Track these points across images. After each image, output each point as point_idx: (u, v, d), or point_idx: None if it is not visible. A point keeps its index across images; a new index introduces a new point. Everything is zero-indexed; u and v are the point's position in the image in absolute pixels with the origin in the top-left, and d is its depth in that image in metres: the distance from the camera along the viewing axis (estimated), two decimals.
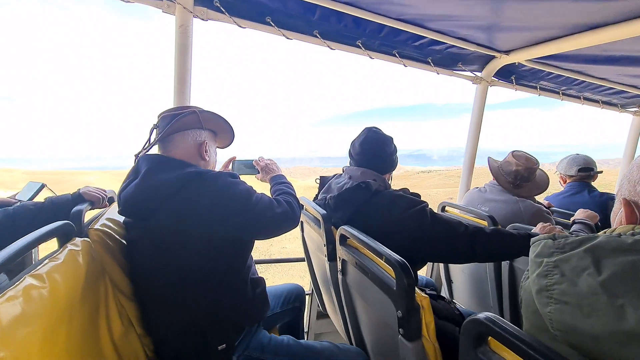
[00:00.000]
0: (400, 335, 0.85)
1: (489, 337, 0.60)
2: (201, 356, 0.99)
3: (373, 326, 1.14)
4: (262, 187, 1.27)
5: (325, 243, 1.30)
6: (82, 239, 0.93)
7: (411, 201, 1.18)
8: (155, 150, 1.10)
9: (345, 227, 1.13)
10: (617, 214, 0.63)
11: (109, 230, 1.04)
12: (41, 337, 0.64)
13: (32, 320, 0.63)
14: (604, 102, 2.66)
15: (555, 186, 2.47)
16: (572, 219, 1.49)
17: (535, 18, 1.54)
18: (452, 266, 2.06)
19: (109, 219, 1.10)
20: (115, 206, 1.28)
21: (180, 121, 1.05)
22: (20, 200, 1.35)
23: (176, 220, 0.93)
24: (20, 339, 0.59)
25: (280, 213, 1.04)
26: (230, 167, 1.44)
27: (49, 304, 0.68)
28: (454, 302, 1.18)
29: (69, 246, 0.86)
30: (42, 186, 1.28)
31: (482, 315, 0.58)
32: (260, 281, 1.16)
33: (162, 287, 0.97)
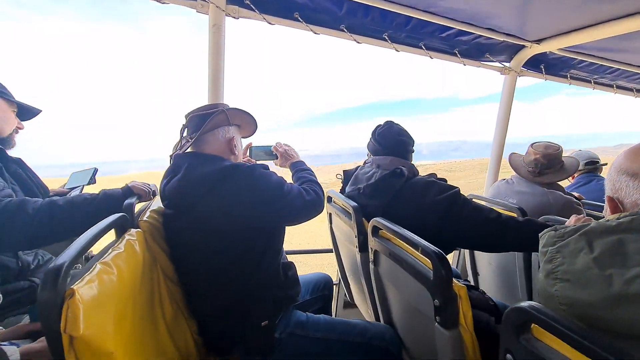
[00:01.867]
0: (437, 323, 0.88)
1: (532, 325, 0.62)
2: (246, 332, 1.05)
3: (406, 313, 1.18)
4: (281, 172, 1.34)
5: (356, 234, 1.34)
6: (136, 229, 1.01)
7: (443, 186, 1.22)
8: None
9: (378, 218, 1.16)
10: (605, 210, 0.74)
11: (155, 222, 1.12)
12: (113, 317, 0.71)
13: (106, 302, 0.70)
14: (638, 91, 2.55)
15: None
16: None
17: (568, 5, 1.50)
18: (478, 258, 2.06)
19: (153, 211, 1.17)
20: (158, 199, 1.35)
21: (212, 121, 1.11)
22: (71, 189, 1.45)
23: (217, 210, 1.00)
24: (99, 319, 0.66)
25: (309, 201, 1.12)
26: (247, 153, 1.48)
27: (117, 289, 0.75)
28: (485, 293, 1.20)
29: (127, 236, 0.93)
30: (96, 170, 1.38)
31: (525, 304, 0.61)
32: (291, 265, 1.23)
33: (206, 271, 1.05)
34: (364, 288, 1.46)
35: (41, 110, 1.31)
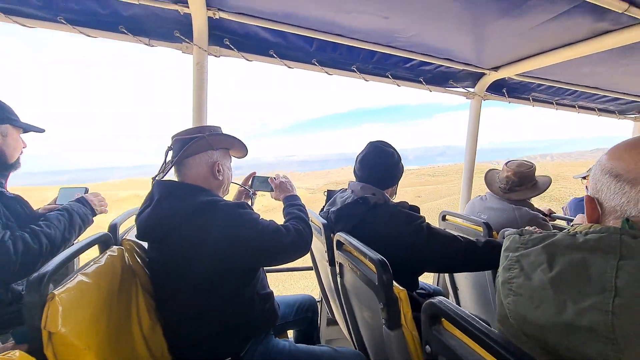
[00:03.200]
0: (383, 325, 0.98)
1: (442, 318, 0.73)
2: None
3: (366, 322, 1.27)
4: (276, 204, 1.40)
5: (326, 249, 1.45)
6: (118, 247, 1.12)
7: (409, 216, 1.26)
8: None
9: (341, 233, 1.27)
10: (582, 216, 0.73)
11: (137, 243, 1.23)
12: (89, 319, 0.82)
13: (83, 306, 0.81)
14: (600, 110, 2.72)
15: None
16: (572, 224, 1.57)
17: (518, 35, 1.65)
18: (456, 274, 2.14)
19: None
20: None
21: (192, 147, 1.12)
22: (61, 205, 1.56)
23: (187, 246, 1.00)
24: (76, 319, 0.77)
25: (289, 242, 1.09)
26: (250, 182, 1.52)
27: (95, 295, 0.87)
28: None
29: (108, 252, 1.05)
30: (87, 190, 1.48)
31: (436, 299, 0.72)
32: (270, 296, 1.22)
33: (177, 302, 1.07)
34: (337, 302, 1.55)
35: (44, 130, 1.35)
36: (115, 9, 1.48)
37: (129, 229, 1.36)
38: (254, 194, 1.50)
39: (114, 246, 1.11)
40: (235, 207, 1.05)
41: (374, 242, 1.21)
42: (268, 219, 1.12)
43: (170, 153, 1.17)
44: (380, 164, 1.39)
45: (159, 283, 1.12)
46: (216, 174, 1.17)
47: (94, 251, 1.08)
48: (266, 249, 1.05)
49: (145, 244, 1.21)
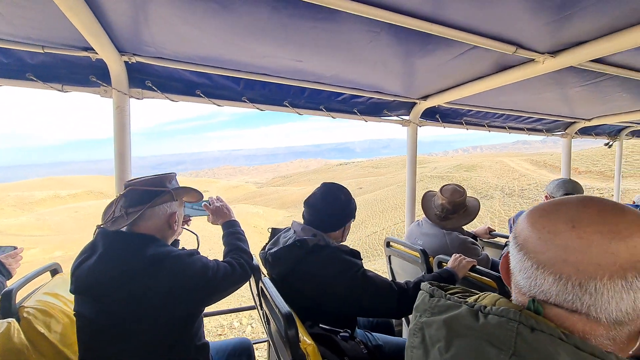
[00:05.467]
0: None
1: None
2: None
3: None
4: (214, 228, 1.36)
5: (256, 294, 1.41)
6: (10, 319, 1.02)
7: (346, 265, 1.24)
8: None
9: (265, 279, 1.24)
10: None
11: (45, 307, 1.13)
12: None
13: None
14: (529, 129, 2.91)
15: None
16: (446, 265, 1.50)
17: (437, 68, 1.72)
18: None
19: (48, 293, 1.19)
20: (58, 279, 1.37)
21: (157, 201, 1.09)
22: None
23: (133, 303, 0.96)
24: None
25: (235, 279, 1.15)
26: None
27: None
28: (362, 342, 1.28)
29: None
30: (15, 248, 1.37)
31: None
32: (205, 347, 1.18)
33: (112, 355, 0.99)
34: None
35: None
36: (19, 57, 1.41)
37: (32, 293, 1.24)
38: (189, 219, 1.43)
39: (10, 318, 1.01)
40: (185, 257, 1.06)
41: (312, 286, 1.21)
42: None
43: (123, 200, 1.11)
44: (324, 208, 1.37)
45: (87, 343, 1.01)
46: (173, 225, 1.16)
47: None
48: (217, 289, 1.09)
49: (54, 310, 1.12)
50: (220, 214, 1.42)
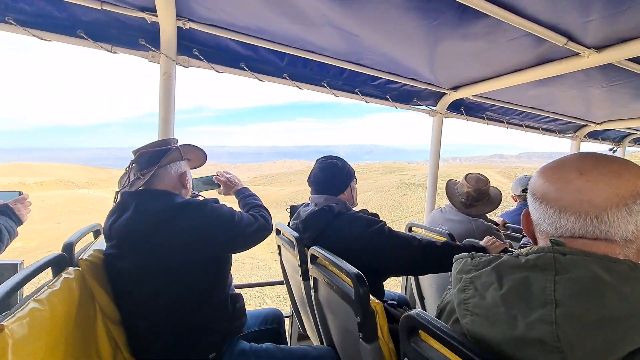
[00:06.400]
0: (360, 339, 0.98)
1: (420, 330, 0.75)
2: None
3: (342, 336, 1.27)
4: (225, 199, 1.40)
5: (299, 263, 1.44)
6: (74, 268, 1.03)
7: (370, 221, 1.34)
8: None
9: (315, 247, 1.28)
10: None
11: (96, 261, 1.14)
12: (44, 352, 0.74)
13: (37, 337, 0.73)
14: (544, 129, 3.03)
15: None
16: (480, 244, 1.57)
17: (472, 57, 1.78)
18: (422, 283, 2.22)
19: (96, 250, 1.20)
20: (100, 239, 1.37)
21: (167, 158, 1.15)
22: None
23: (168, 245, 1.03)
24: (27, 354, 0.69)
25: (259, 226, 1.21)
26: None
27: (50, 325, 0.79)
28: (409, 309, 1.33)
29: (64, 275, 0.96)
30: (20, 193, 1.34)
31: (413, 312, 0.74)
32: (239, 297, 1.27)
33: (151, 310, 1.06)
34: (309, 316, 1.53)
35: None
36: (72, 13, 1.39)
37: (84, 248, 1.25)
38: (197, 196, 1.47)
39: (70, 268, 1.02)
40: (210, 202, 1.13)
41: (340, 248, 1.26)
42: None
43: (135, 166, 1.16)
44: (326, 175, 1.48)
45: (127, 296, 1.08)
46: (185, 183, 1.22)
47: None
48: (243, 235, 1.14)
49: (102, 264, 1.13)
50: (231, 184, 1.51)
